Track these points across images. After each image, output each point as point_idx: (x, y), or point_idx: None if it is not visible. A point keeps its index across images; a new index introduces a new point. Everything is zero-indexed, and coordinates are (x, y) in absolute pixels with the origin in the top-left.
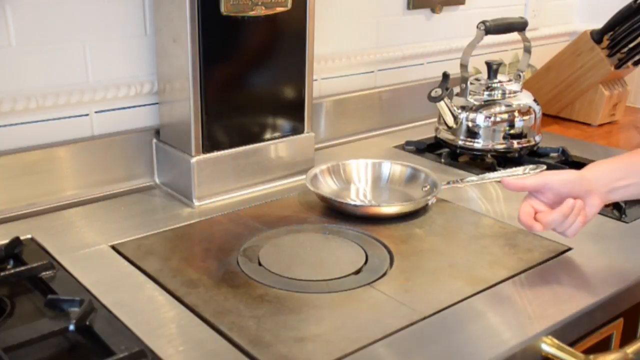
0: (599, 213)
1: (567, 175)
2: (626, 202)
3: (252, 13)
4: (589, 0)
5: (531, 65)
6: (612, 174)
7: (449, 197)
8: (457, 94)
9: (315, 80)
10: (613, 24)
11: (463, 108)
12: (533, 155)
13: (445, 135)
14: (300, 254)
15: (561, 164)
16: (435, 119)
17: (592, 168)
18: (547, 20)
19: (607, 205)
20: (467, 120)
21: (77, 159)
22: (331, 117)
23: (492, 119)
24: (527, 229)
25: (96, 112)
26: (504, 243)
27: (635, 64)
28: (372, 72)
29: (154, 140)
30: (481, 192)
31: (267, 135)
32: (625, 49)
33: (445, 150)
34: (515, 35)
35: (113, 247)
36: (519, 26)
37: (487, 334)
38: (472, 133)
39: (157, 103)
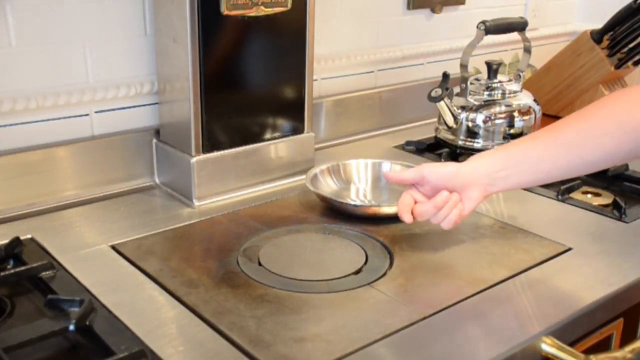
0: (599, 213)
1: (443, 169)
2: (626, 202)
3: (252, 13)
4: (589, 0)
5: (531, 65)
6: (490, 166)
7: None
8: (457, 94)
9: (315, 80)
10: (613, 24)
11: (463, 108)
12: None
13: (445, 135)
14: (300, 254)
15: None
16: (435, 119)
17: (471, 161)
18: (547, 20)
19: (606, 205)
20: (467, 120)
21: (77, 159)
22: (331, 117)
23: (492, 119)
24: (400, 218)
25: (96, 112)
26: (504, 243)
27: (635, 64)
28: (372, 72)
29: (154, 140)
30: None
31: (267, 135)
32: (625, 49)
33: (445, 150)
34: (515, 35)
35: (113, 247)
36: (519, 26)
37: (487, 334)
38: (472, 133)
39: (157, 103)
